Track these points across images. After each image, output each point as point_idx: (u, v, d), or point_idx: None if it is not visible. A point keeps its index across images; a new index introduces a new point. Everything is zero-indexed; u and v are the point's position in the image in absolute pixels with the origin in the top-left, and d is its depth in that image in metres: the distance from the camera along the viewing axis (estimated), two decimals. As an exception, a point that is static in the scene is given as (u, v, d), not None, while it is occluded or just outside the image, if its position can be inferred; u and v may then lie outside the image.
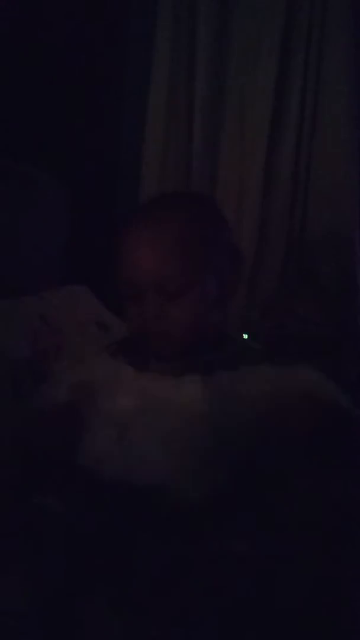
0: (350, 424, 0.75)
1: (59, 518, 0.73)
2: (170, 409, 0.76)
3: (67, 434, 0.77)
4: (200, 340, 0.84)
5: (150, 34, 1.70)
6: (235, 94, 1.73)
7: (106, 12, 1.60)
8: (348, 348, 1.56)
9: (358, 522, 0.69)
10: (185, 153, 1.75)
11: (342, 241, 1.73)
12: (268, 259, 1.78)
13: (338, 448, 0.73)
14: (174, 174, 1.75)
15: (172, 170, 1.75)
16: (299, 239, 1.78)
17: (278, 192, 1.76)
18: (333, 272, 1.74)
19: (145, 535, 0.70)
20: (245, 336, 1.25)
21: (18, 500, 0.77)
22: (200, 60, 1.70)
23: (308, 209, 1.77)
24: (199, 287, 0.82)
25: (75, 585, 0.66)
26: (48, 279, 1.30)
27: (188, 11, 1.69)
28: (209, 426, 0.74)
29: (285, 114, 1.72)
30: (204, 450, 0.73)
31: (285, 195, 1.75)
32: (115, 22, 1.64)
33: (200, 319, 0.83)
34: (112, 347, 0.93)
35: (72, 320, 1.23)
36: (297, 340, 1.58)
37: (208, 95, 1.72)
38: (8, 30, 1.37)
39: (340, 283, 1.73)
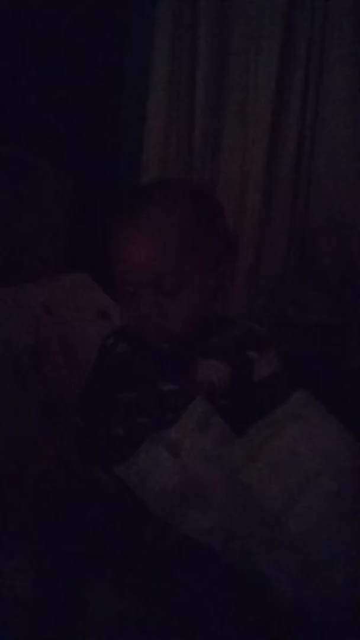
0: None
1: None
2: None
3: None
4: (200, 327, 0.83)
5: (151, 31, 1.67)
6: (236, 88, 1.71)
7: (107, 8, 1.60)
8: (350, 335, 1.56)
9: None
10: (186, 141, 1.74)
11: (344, 229, 1.72)
12: (271, 247, 1.78)
13: None
14: (176, 160, 1.74)
15: (173, 156, 1.74)
16: (301, 226, 1.78)
17: (280, 180, 1.75)
18: (335, 259, 1.73)
19: (152, 521, 0.71)
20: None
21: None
22: (201, 50, 1.69)
23: (310, 196, 1.77)
24: (195, 281, 0.81)
25: (79, 567, 0.67)
26: (49, 267, 1.30)
27: (188, 10, 1.67)
28: None
29: (287, 103, 1.71)
30: None
31: (288, 183, 1.75)
32: (116, 19, 1.64)
33: (198, 312, 0.82)
34: (110, 338, 0.93)
35: (74, 309, 1.23)
36: (299, 328, 1.58)
37: (209, 82, 1.70)
38: (10, 22, 1.37)
39: (343, 270, 1.73)
